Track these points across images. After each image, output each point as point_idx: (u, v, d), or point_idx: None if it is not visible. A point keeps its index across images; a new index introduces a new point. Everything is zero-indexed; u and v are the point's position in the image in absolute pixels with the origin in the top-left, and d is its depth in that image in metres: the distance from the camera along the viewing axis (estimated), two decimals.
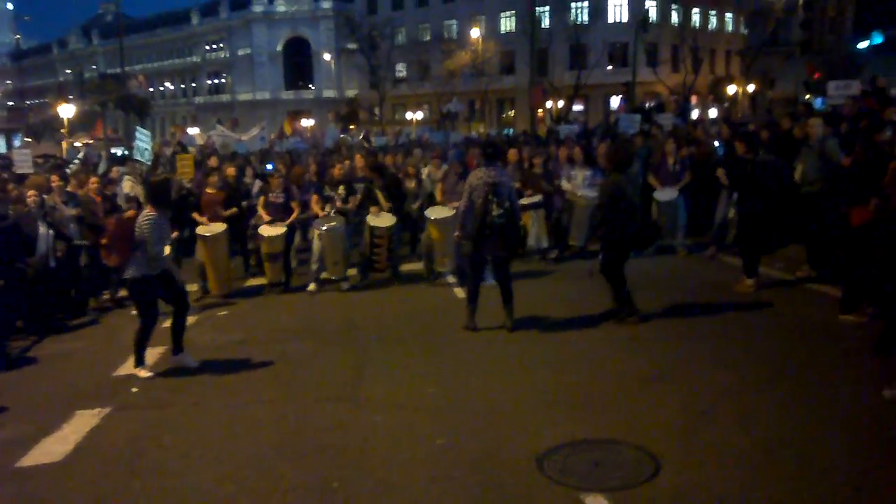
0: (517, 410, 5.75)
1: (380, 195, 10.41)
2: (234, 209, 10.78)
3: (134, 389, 6.77)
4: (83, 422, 6.01)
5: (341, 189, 10.46)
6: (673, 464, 4.70)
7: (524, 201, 10.56)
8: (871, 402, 5.46)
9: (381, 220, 10.18)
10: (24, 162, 14.75)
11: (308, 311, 9.48)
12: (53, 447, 5.56)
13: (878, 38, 19.98)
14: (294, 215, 10.55)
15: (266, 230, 10.26)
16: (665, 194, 10.87)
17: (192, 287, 9.82)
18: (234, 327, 8.85)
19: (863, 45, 19.55)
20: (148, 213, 6.99)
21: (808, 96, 20.04)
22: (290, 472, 4.94)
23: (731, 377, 6.17)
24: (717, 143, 11.49)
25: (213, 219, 10.36)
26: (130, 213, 7.51)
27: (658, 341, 7.24)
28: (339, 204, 10.33)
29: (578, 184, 11.07)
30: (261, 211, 10.60)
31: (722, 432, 5.16)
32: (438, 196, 10.71)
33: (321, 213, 10.27)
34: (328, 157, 15.60)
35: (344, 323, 8.73)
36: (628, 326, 7.69)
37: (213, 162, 13.07)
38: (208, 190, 10.75)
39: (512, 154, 11.87)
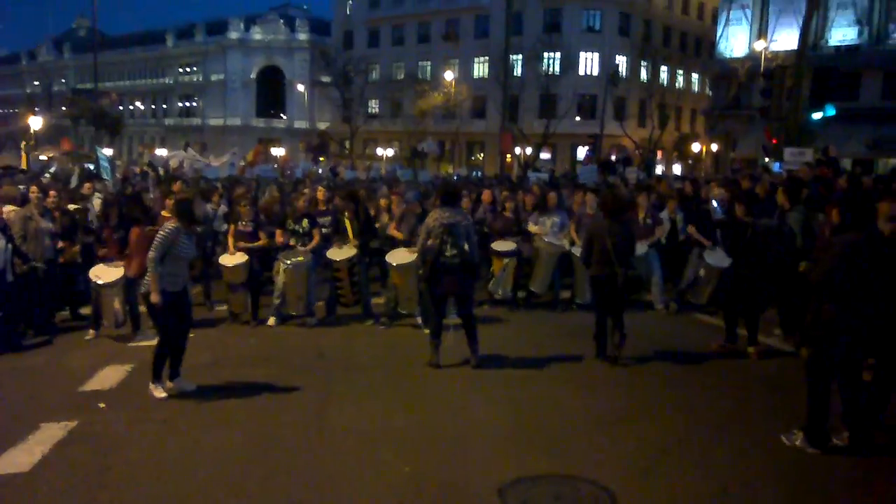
0: (481, 444, 5.94)
1: (349, 226, 10.29)
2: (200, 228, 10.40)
3: (101, 405, 6.80)
4: (49, 434, 6.02)
5: (305, 222, 10.28)
6: (628, 499, 4.92)
7: (497, 247, 10.70)
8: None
9: (340, 252, 10.04)
10: None
11: (275, 339, 9.47)
12: (19, 458, 5.59)
13: (831, 111, 21.08)
14: (259, 243, 10.23)
15: (226, 259, 10.01)
16: (637, 248, 10.40)
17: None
18: (201, 351, 8.87)
19: (817, 115, 20.59)
20: (169, 224, 7.12)
21: (766, 160, 20.94)
22: (258, 491, 5.06)
23: (689, 420, 6.44)
24: (714, 204, 11.18)
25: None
26: (153, 228, 7.83)
27: (620, 385, 7.48)
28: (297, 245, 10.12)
29: (546, 230, 10.94)
30: (230, 241, 10.30)
31: (678, 472, 5.41)
32: (393, 233, 10.38)
33: (291, 244, 10.10)
34: (295, 188, 15.72)
35: (311, 352, 8.83)
36: (591, 368, 7.95)
37: (177, 187, 13.01)
38: (165, 214, 10.17)
39: (486, 195, 12.14)
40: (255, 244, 10.19)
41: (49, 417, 6.38)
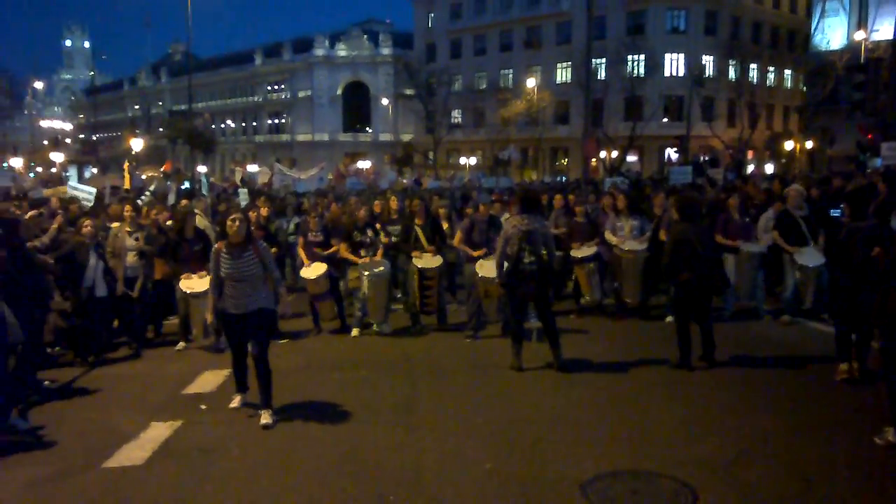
0: (563, 441, 6.06)
1: (421, 235, 10.23)
2: (275, 249, 10.32)
3: (203, 406, 7.25)
4: (157, 432, 6.48)
5: (370, 232, 10.29)
6: (710, 496, 4.95)
7: (577, 253, 10.54)
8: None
9: (430, 261, 10.02)
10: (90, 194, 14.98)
11: (362, 345, 9.80)
12: (133, 453, 6.05)
13: None
14: (332, 249, 10.40)
15: (307, 272, 10.12)
16: (752, 246, 10.27)
17: None
18: (294, 355, 9.31)
19: None
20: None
21: (865, 155, 20.13)
22: (350, 486, 5.33)
23: (773, 422, 6.38)
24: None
25: None
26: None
27: (706, 387, 7.44)
28: (385, 240, 10.33)
29: (625, 235, 10.56)
30: (301, 253, 10.54)
31: (760, 471, 5.39)
32: (462, 247, 10.24)
33: (354, 259, 10.11)
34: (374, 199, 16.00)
35: (397, 356, 9.13)
36: (676, 372, 7.90)
37: (260, 202, 13.24)
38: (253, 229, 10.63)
39: (557, 200, 12.10)
40: (329, 251, 10.36)
41: (157, 417, 6.85)
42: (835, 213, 9.71)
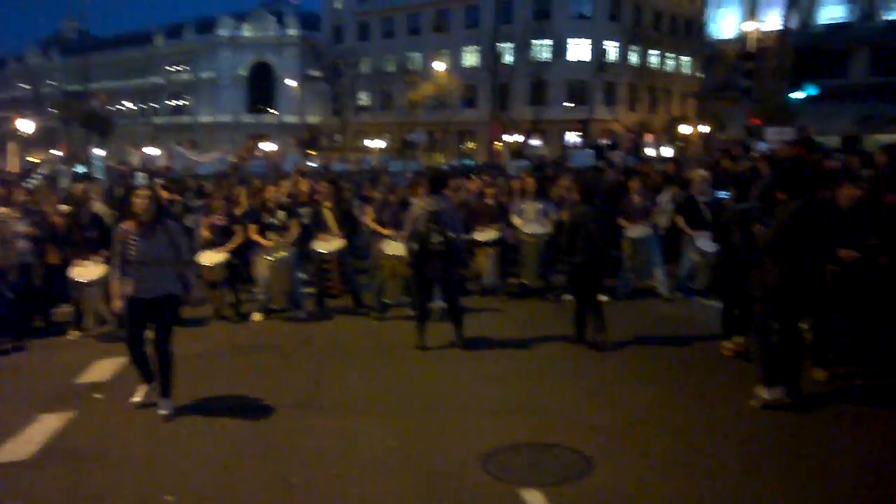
0: (464, 417, 6.18)
1: (330, 218, 10.13)
2: None
3: (98, 396, 7.00)
4: (47, 425, 6.19)
5: (281, 214, 10.06)
6: (605, 464, 5.16)
7: (478, 237, 10.57)
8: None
9: (328, 244, 9.95)
10: None
11: (263, 330, 9.56)
12: (19, 448, 5.77)
13: (811, 90, 21.35)
14: (237, 240, 9.99)
15: (206, 257, 9.72)
16: (636, 231, 10.56)
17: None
18: (191, 342, 9.06)
19: (796, 95, 20.85)
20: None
21: (751, 139, 21.20)
22: (253, 468, 5.28)
23: (663, 393, 6.67)
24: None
25: None
26: None
27: (600, 362, 7.69)
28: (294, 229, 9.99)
29: (529, 218, 10.71)
30: (204, 231, 10.20)
31: (651, 438, 5.64)
32: (373, 225, 10.35)
33: (263, 242, 9.85)
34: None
35: (300, 340, 9.03)
36: (573, 348, 8.11)
37: (155, 186, 12.89)
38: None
39: (472, 184, 12.22)
40: (232, 242, 9.93)
41: (47, 409, 6.56)
42: (723, 195, 10.09)
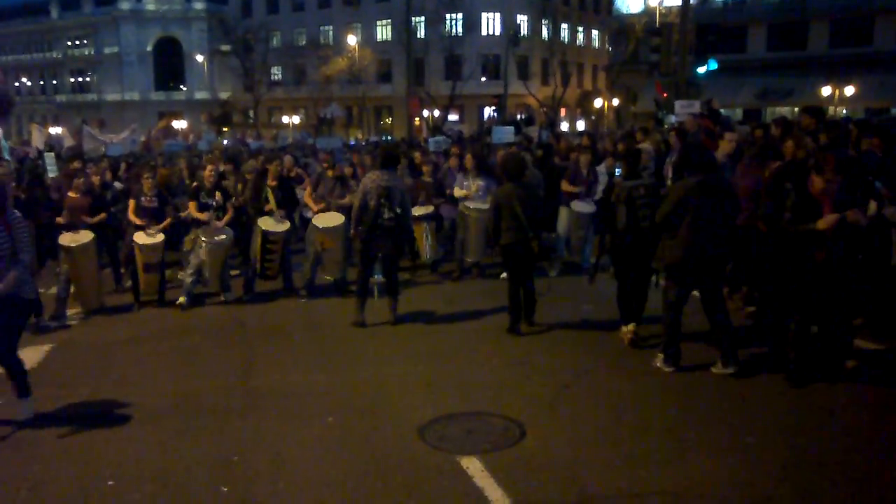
0: (400, 391, 6.37)
1: (271, 197, 9.88)
2: (103, 214, 9.97)
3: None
4: None
5: (218, 195, 9.85)
6: (536, 430, 5.45)
7: (416, 211, 10.24)
8: (705, 378, 6.44)
9: (276, 225, 9.72)
10: None
11: (191, 314, 9.43)
12: None
13: (713, 64, 22.30)
14: (168, 221, 9.85)
15: (142, 238, 9.48)
16: (582, 206, 10.52)
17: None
18: (118, 328, 8.96)
19: (701, 69, 21.79)
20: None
21: (662, 111, 21.99)
22: (191, 449, 5.34)
23: (589, 361, 7.00)
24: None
25: (78, 226, 9.49)
26: None
27: (529, 334, 7.91)
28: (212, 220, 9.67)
29: (472, 194, 10.51)
30: (131, 216, 9.83)
31: (579, 405, 5.96)
32: (310, 202, 10.37)
33: (202, 218, 9.62)
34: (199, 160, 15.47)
35: (230, 321, 9.03)
36: (502, 320, 8.14)
37: (76, 164, 12.11)
38: (72, 194, 9.85)
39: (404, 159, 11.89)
40: (165, 223, 9.81)
41: None
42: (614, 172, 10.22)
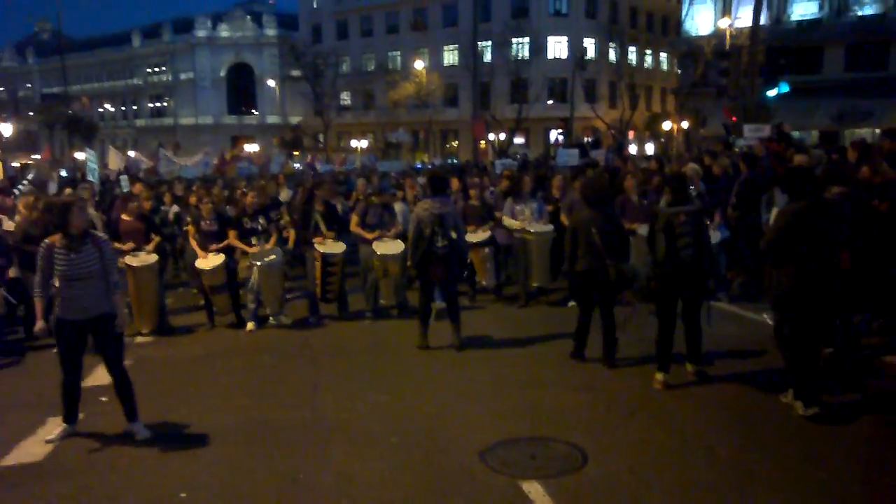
0: (463, 414, 6.41)
1: (321, 221, 10.03)
2: (157, 239, 10.15)
3: (103, 399, 7.16)
4: (56, 427, 6.36)
5: (261, 219, 10.02)
6: (599, 456, 5.41)
7: (471, 238, 10.15)
8: (771, 406, 6.29)
9: (334, 247, 9.87)
10: None
11: (260, 335, 9.64)
12: (32, 449, 5.97)
13: (784, 87, 21.83)
14: (226, 242, 9.94)
15: (203, 263, 9.69)
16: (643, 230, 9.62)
17: None
18: (190, 345, 9.26)
19: (771, 92, 21.33)
20: (44, 241, 6.15)
21: (730, 136, 21.62)
22: (260, 466, 5.49)
23: (650, 383, 6.89)
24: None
25: (137, 249, 9.70)
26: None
27: (589, 360, 7.79)
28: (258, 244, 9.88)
29: (527, 217, 10.32)
30: (192, 242, 10.06)
31: (642, 431, 5.90)
32: (357, 231, 10.22)
33: (245, 248, 9.83)
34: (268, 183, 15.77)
35: (298, 342, 9.22)
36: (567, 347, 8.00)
37: (137, 189, 12.61)
38: (125, 217, 10.06)
39: (455, 183, 11.96)
40: (222, 245, 9.91)
41: (55, 412, 6.65)
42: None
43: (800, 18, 38.49)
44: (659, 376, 6.86)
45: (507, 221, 10.49)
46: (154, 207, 12.02)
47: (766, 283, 6.26)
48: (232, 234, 9.96)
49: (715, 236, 9.24)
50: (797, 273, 5.90)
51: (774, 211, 7.91)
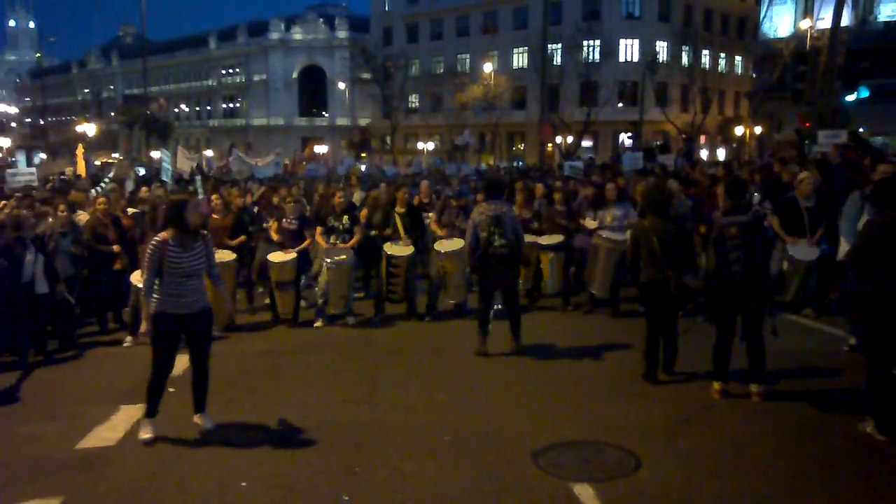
0: (517, 416, 6.47)
1: (399, 223, 10.23)
2: (243, 237, 10.48)
3: (171, 389, 7.43)
4: (128, 415, 6.67)
5: (345, 219, 10.24)
6: (652, 462, 5.40)
7: (543, 241, 10.36)
8: (835, 423, 6.15)
9: (399, 248, 10.04)
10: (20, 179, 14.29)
11: (323, 332, 9.86)
12: (106, 434, 6.29)
13: (864, 92, 21.00)
14: (306, 243, 10.24)
15: (276, 256, 9.94)
16: None
17: None
18: (257, 341, 9.54)
19: (850, 97, 20.53)
20: (157, 237, 6.18)
21: (805, 142, 20.98)
22: (317, 459, 5.66)
23: (707, 392, 6.82)
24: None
25: (220, 247, 9.62)
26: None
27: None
28: (340, 242, 10.10)
29: (607, 224, 9.98)
30: (273, 235, 10.35)
31: (697, 438, 5.86)
32: (436, 228, 10.48)
33: (323, 243, 10.10)
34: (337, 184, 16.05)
35: (360, 341, 9.42)
36: (630, 355, 7.95)
37: (223, 188, 12.88)
38: (215, 216, 10.38)
39: (539, 189, 11.81)
40: (302, 246, 10.15)
41: (126, 400, 7.03)
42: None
43: (888, 19, 37.01)
44: (716, 385, 6.77)
45: (587, 222, 10.32)
46: (243, 208, 12.13)
47: (853, 298, 6.06)
48: (319, 229, 10.23)
49: (812, 252, 8.89)
50: (884, 287, 5.65)
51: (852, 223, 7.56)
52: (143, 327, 6.16)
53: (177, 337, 6.20)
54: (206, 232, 6.44)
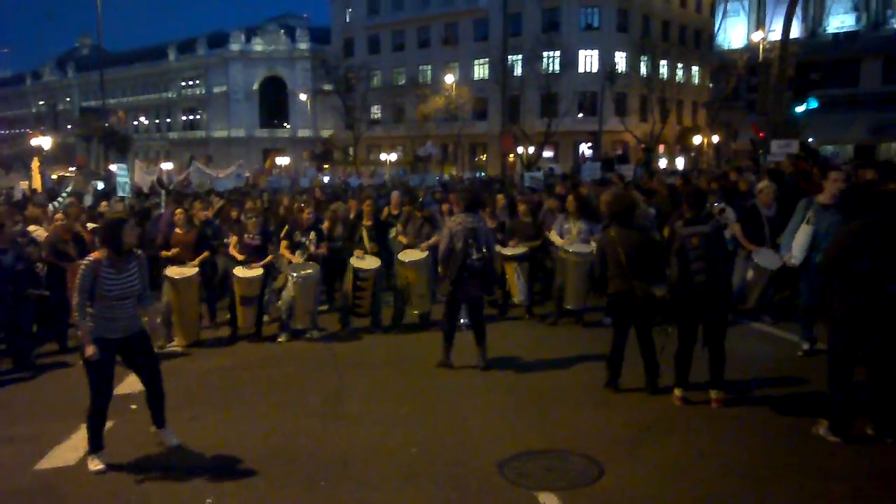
0: (482, 427, 6.51)
1: (365, 236, 10.27)
2: (206, 253, 10.32)
3: (133, 406, 7.36)
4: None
5: (313, 235, 10.25)
6: (616, 469, 5.48)
7: (507, 251, 10.30)
8: (792, 425, 6.30)
9: (367, 262, 10.01)
10: None
11: (286, 346, 9.77)
12: (65, 454, 6.19)
13: (813, 103, 21.62)
14: (269, 258, 10.16)
15: (241, 272, 9.75)
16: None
17: None
18: (220, 356, 9.44)
19: (800, 108, 21.13)
20: (88, 257, 5.92)
21: (758, 152, 21.49)
22: (281, 474, 5.63)
23: (669, 399, 6.94)
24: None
25: (183, 264, 9.90)
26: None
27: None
28: (311, 248, 10.18)
29: (572, 238, 10.04)
30: (233, 252, 10.18)
31: (659, 445, 5.96)
32: (402, 239, 10.52)
33: (290, 257, 10.10)
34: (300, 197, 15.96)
35: (324, 354, 9.36)
36: (593, 365, 7.98)
37: (197, 205, 12.72)
38: (177, 230, 10.24)
39: (500, 199, 11.96)
40: (266, 260, 10.05)
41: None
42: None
43: (836, 31, 38.09)
44: (677, 391, 6.88)
45: (552, 237, 10.37)
46: (207, 221, 11.85)
47: (827, 304, 6.07)
48: (284, 243, 10.19)
49: (776, 261, 8.85)
50: (854, 294, 5.69)
51: (803, 229, 7.76)
52: (89, 351, 5.69)
53: (113, 362, 5.91)
54: (140, 252, 6.14)
